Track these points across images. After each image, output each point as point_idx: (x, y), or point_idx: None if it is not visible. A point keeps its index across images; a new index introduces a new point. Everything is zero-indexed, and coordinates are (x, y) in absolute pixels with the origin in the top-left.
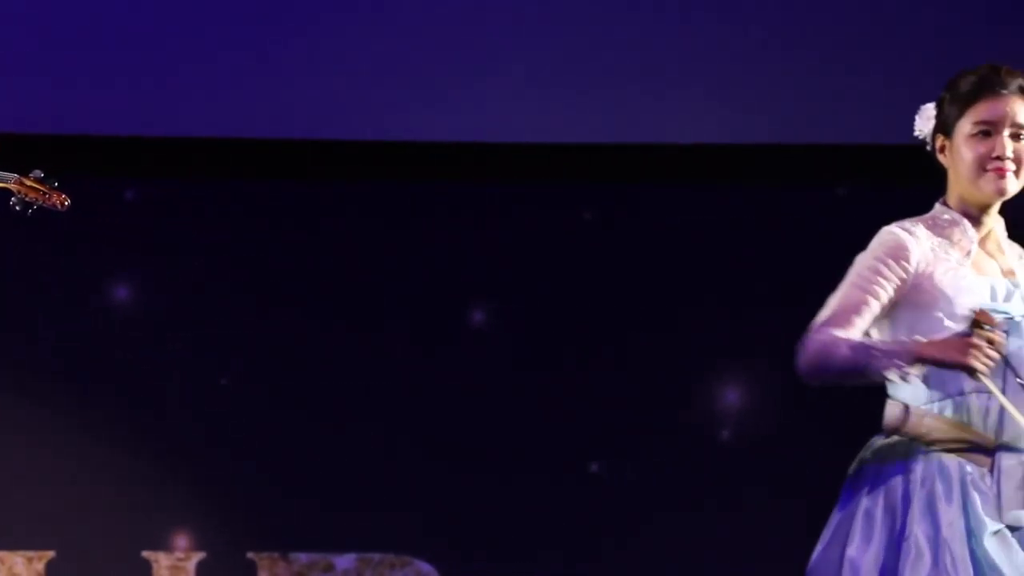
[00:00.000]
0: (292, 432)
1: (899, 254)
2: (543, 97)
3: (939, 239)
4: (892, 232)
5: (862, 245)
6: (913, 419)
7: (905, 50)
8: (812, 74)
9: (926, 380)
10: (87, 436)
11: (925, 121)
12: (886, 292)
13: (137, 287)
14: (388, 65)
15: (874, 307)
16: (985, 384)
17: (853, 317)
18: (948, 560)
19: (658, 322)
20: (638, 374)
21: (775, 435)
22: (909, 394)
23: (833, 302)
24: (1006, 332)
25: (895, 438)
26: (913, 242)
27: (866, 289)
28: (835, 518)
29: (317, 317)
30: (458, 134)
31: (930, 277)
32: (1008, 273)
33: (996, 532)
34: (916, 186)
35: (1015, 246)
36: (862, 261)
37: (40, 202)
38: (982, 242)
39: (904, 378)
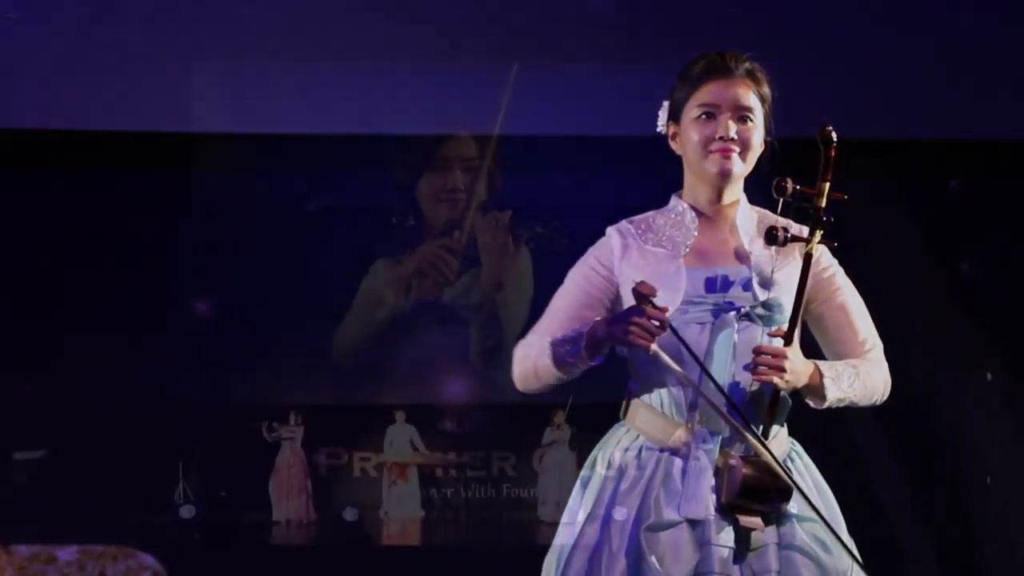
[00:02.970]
0: (9, 425)
1: (603, 255)
2: (246, 86)
3: (658, 234)
4: (607, 233)
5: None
6: (631, 409)
7: (623, 39)
8: (541, 65)
9: (636, 372)
10: None
11: (664, 114)
12: (590, 293)
13: None
14: (114, 51)
15: (577, 309)
16: (678, 372)
17: (553, 322)
18: (610, 547)
19: None
20: None
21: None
22: (635, 386)
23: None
24: (713, 323)
25: (620, 427)
26: (619, 242)
27: (569, 293)
28: (569, 505)
29: (35, 308)
30: (159, 124)
31: (641, 272)
32: (740, 259)
33: (673, 525)
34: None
35: (767, 216)
36: (575, 266)
37: None
38: (713, 229)
39: (590, 361)
